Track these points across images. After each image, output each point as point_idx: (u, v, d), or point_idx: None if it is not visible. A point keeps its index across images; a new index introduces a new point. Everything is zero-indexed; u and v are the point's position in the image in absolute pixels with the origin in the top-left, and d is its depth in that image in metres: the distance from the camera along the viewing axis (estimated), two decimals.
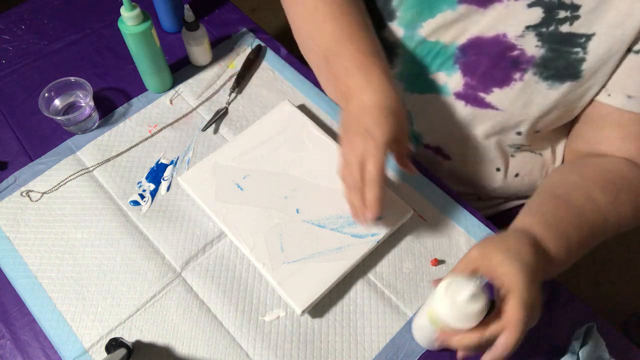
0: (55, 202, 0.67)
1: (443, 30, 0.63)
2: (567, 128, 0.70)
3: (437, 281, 0.49)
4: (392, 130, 0.53)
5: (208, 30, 0.85)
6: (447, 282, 0.46)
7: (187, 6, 0.72)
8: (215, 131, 0.75)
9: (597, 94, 0.59)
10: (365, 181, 0.53)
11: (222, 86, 0.79)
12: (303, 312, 0.58)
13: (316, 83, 0.80)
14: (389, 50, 0.69)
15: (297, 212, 0.64)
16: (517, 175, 0.75)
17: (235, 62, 0.82)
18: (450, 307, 0.45)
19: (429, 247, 0.65)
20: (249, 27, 0.86)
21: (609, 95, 0.58)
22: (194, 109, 0.77)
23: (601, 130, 0.62)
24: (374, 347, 0.59)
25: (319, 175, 0.67)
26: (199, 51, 0.78)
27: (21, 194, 0.68)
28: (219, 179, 0.67)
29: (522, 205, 0.84)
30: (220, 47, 0.83)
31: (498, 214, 0.85)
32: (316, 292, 0.59)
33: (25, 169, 0.70)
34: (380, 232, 0.63)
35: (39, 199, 0.68)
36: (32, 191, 0.68)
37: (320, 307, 0.61)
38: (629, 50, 0.55)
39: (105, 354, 0.56)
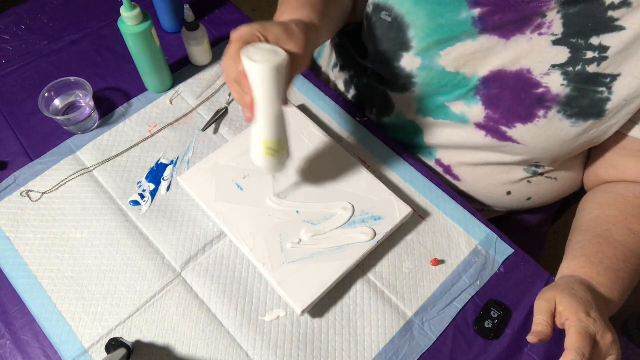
0: (55, 202, 0.67)
1: (463, 61, 0.62)
2: (584, 153, 0.70)
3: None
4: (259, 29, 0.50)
5: (208, 30, 0.85)
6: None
7: (187, 6, 0.72)
8: (215, 131, 0.75)
9: (624, 127, 0.61)
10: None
11: (222, 86, 0.79)
12: (303, 312, 0.58)
13: (316, 83, 0.80)
14: (406, 79, 0.68)
15: (297, 212, 0.64)
16: (529, 199, 0.75)
17: None
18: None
19: (429, 247, 0.65)
20: None
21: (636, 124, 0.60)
22: (194, 109, 0.77)
23: (627, 159, 0.64)
24: (374, 347, 0.59)
25: (319, 175, 0.67)
26: (199, 51, 0.78)
27: (21, 194, 0.68)
28: (219, 179, 0.67)
29: (524, 212, 0.85)
30: (220, 47, 0.83)
31: (498, 216, 0.85)
32: (316, 292, 0.59)
33: (25, 169, 0.70)
34: (380, 232, 0.63)
35: (39, 199, 0.68)
36: (32, 191, 0.68)
37: (320, 307, 0.61)
38: None
39: (105, 354, 0.56)
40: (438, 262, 0.64)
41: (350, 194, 0.66)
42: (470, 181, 0.74)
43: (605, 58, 0.54)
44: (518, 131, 0.62)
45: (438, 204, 0.69)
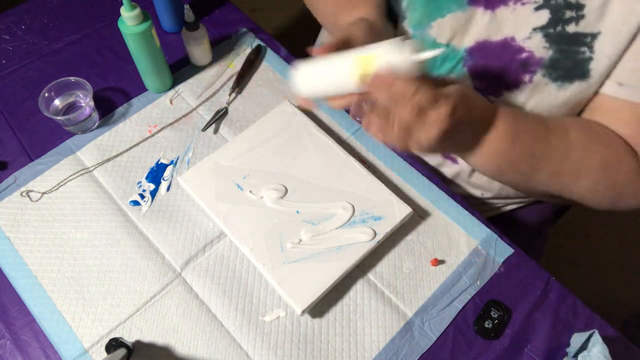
0: (55, 202, 0.67)
1: (453, 32, 0.63)
2: None
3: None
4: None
5: (208, 30, 0.85)
6: (403, 38, 0.44)
7: (187, 6, 0.72)
8: (215, 131, 0.75)
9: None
10: None
11: (222, 86, 0.79)
12: (303, 312, 0.58)
13: None
14: None
15: (297, 212, 0.64)
16: None
17: (235, 62, 0.82)
18: (402, 59, 0.42)
19: (429, 247, 0.65)
20: (249, 27, 0.86)
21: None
22: (194, 109, 0.77)
23: (593, 117, 0.60)
24: (374, 347, 0.59)
25: (319, 175, 0.67)
26: (199, 51, 0.78)
27: (21, 194, 0.68)
28: (219, 179, 0.67)
29: (524, 206, 0.85)
30: (220, 47, 0.83)
31: (498, 215, 0.85)
32: (316, 292, 0.59)
33: (25, 169, 0.70)
34: (380, 232, 0.63)
35: (39, 199, 0.68)
36: (32, 191, 0.68)
37: (320, 307, 0.61)
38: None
39: (105, 354, 0.56)
40: (438, 262, 0.64)
41: (350, 194, 0.66)
42: (467, 164, 0.73)
43: (582, 16, 0.55)
44: (506, 99, 0.63)
45: (438, 204, 0.69)
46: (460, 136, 0.49)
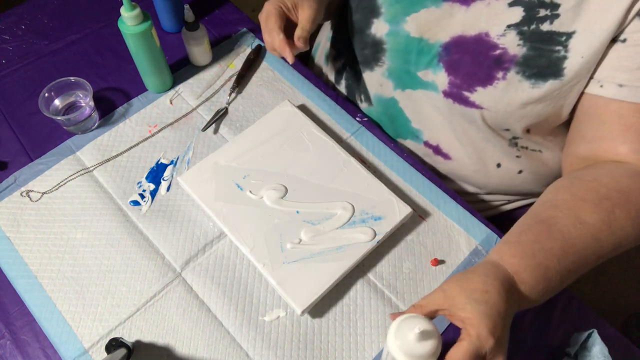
0: (55, 202, 0.67)
1: (427, 27, 0.64)
2: (567, 127, 0.70)
3: (395, 315, 0.48)
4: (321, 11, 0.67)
5: (208, 30, 0.85)
6: (400, 320, 0.45)
7: (187, 6, 0.72)
8: (215, 131, 0.75)
9: (585, 86, 0.59)
10: (296, 38, 0.66)
11: (222, 86, 0.79)
12: (303, 312, 0.58)
13: (316, 83, 0.80)
14: (377, 47, 0.70)
15: (297, 212, 0.64)
16: (520, 172, 0.75)
17: (235, 62, 0.82)
18: (401, 346, 0.44)
19: (429, 247, 0.65)
20: (249, 27, 0.86)
21: (601, 86, 0.57)
22: (194, 109, 0.77)
23: (602, 125, 0.59)
24: (374, 347, 0.59)
25: (319, 175, 0.67)
26: (199, 51, 0.78)
27: (21, 194, 0.68)
28: (218, 179, 0.67)
29: (524, 206, 0.85)
30: (220, 47, 0.83)
31: (498, 215, 0.85)
32: (316, 292, 0.59)
33: (25, 169, 0.70)
34: (380, 232, 0.63)
35: (39, 199, 0.68)
36: (32, 191, 0.68)
37: (320, 307, 0.61)
38: (613, 40, 0.55)
39: (105, 354, 0.56)
40: (438, 262, 0.64)
41: (350, 194, 0.66)
42: (460, 158, 0.74)
43: (557, 15, 0.55)
44: (479, 95, 0.63)
45: (438, 204, 0.69)
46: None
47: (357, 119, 0.76)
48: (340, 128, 0.75)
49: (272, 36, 0.65)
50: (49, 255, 0.64)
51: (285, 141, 0.70)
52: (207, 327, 0.59)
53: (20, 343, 0.58)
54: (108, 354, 0.55)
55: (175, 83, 0.79)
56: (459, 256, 0.65)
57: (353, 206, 0.65)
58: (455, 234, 0.67)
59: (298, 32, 0.66)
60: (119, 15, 0.65)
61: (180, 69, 0.81)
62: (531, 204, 0.84)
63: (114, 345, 0.55)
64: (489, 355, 0.46)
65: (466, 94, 0.64)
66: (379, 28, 0.68)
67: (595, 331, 0.57)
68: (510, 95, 0.61)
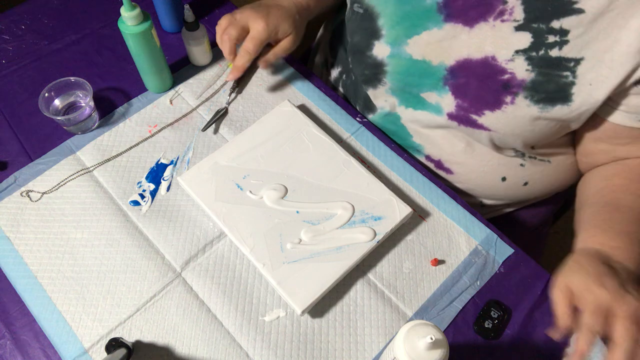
0: (55, 202, 0.67)
1: (429, 49, 0.63)
2: (572, 134, 0.70)
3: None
4: (284, 30, 0.72)
5: (208, 30, 0.85)
6: (410, 326, 0.46)
7: (187, 6, 0.72)
8: (215, 131, 0.75)
9: (607, 112, 0.60)
10: (241, 49, 0.72)
11: (222, 86, 0.79)
12: (303, 312, 0.58)
13: (316, 83, 0.80)
14: (378, 69, 0.70)
15: (297, 212, 0.64)
16: (525, 184, 0.75)
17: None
18: (409, 351, 0.44)
19: (429, 247, 0.65)
20: None
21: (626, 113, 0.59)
22: (194, 109, 0.77)
23: (624, 146, 0.63)
24: (374, 347, 0.59)
25: (319, 175, 0.67)
26: (199, 51, 0.78)
27: (21, 194, 0.68)
28: (219, 179, 0.67)
29: (522, 208, 0.85)
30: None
31: (499, 216, 0.85)
32: (316, 292, 0.59)
33: (25, 169, 0.70)
34: (380, 232, 0.63)
35: (39, 199, 0.68)
36: (32, 191, 0.68)
37: (320, 307, 0.61)
38: None
39: (105, 354, 0.56)
40: (438, 262, 0.64)
41: (350, 194, 0.66)
42: (463, 172, 0.74)
43: (567, 42, 0.55)
44: (487, 118, 0.63)
45: (438, 204, 0.69)
46: None
47: (357, 119, 0.76)
48: (340, 128, 0.75)
49: (243, 60, 0.72)
50: (49, 255, 0.64)
51: (285, 141, 0.70)
52: (207, 327, 0.59)
53: (20, 343, 0.58)
54: (108, 354, 0.55)
55: (175, 83, 0.79)
56: (459, 256, 0.65)
57: (353, 206, 0.65)
58: (455, 234, 0.67)
59: (270, 57, 0.74)
60: (119, 15, 0.65)
61: (180, 69, 0.81)
62: (531, 205, 0.84)
63: (114, 345, 0.55)
64: (617, 302, 0.49)
65: (474, 116, 0.64)
66: (380, 50, 0.68)
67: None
68: (519, 119, 0.61)
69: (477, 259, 0.65)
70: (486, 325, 0.60)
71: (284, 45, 0.74)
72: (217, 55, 0.82)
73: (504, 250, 0.66)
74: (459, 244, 0.66)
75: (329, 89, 0.80)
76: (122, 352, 0.54)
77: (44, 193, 0.68)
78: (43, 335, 0.59)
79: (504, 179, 0.73)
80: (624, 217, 0.59)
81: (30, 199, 0.68)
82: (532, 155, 0.71)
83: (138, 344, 0.58)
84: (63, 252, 0.64)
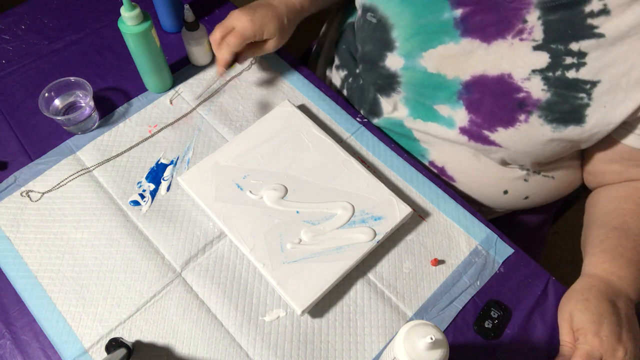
0: (55, 202, 0.67)
1: (445, 63, 0.63)
2: (579, 152, 0.70)
3: None
4: (268, 30, 0.71)
5: (208, 30, 0.85)
6: (410, 326, 0.46)
7: (187, 6, 0.72)
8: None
9: (621, 135, 0.61)
10: (223, 43, 0.70)
11: (222, 86, 0.79)
12: (303, 312, 0.58)
13: (316, 83, 0.80)
14: (391, 80, 0.69)
15: (297, 212, 0.64)
16: (526, 197, 0.75)
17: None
18: (409, 352, 0.44)
19: (429, 247, 0.65)
20: None
21: None
22: (194, 109, 0.77)
23: (636, 167, 0.64)
24: (374, 347, 0.59)
25: (319, 175, 0.67)
26: (199, 51, 0.78)
27: (21, 194, 0.68)
28: (219, 179, 0.67)
29: (523, 211, 0.85)
30: None
31: (498, 217, 0.85)
32: (316, 292, 0.59)
33: (25, 169, 0.70)
34: (380, 232, 0.63)
35: (39, 199, 0.68)
36: (32, 191, 0.68)
37: (320, 307, 0.61)
38: None
39: (105, 354, 0.56)
40: (438, 262, 0.64)
41: (350, 194, 0.66)
42: (466, 181, 0.74)
43: (584, 64, 0.55)
44: (500, 135, 0.63)
45: (438, 204, 0.69)
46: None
47: (357, 119, 0.76)
48: (340, 128, 0.75)
49: (224, 53, 0.70)
50: (49, 255, 0.64)
51: (285, 141, 0.70)
52: (207, 327, 0.59)
53: (20, 343, 0.58)
54: (108, 354, 0.55)
55: (175, 83, 0.79)
56: (459, 256, 0.65)
57: (353, 206, 0.65)
58: (455, 234, 0.67)
59: (248, 55, 0.73)
60: (119, 15, 0.65)
61: (180, 69, 0.81)
62: (529, 210, 0.84)
63: (114, 345, 0.55)
64: (607, 353, 0.53)
65: (486, 132, 0.64)
66: (394, 62, 0.67)
67: None
68: (531, 137, 0.61)
69: (477, 259, 0.65)
70: (486, 325, 0.60)
71: (266, 47, 0.73)
72: None
73: (504, 250, 0.66)
74: (459, 244, 0.66)
75: (329, 89, 0.80)
76: (122, 352, 0.54)
77: (44, 193, 0.68)
78: (43, 335, 0.59)
79: (505, 192, 0.73)
80: (634, 245, 0.60)
81: (30, 199, 0.68)
82: (537, 170, 0.71)
83: (138, 344, 0.58)
84: (63, 252, 0.64)
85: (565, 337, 0.58)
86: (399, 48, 0.65)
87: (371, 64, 0.71)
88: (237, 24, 0.69)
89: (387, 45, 0.66)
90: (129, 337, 0.59)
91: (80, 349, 0.58)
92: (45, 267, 0.63)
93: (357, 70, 0.77)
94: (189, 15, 0.73)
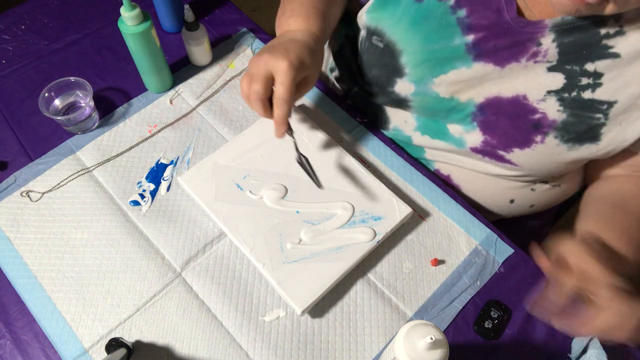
0: (55, 202, 0.67)
1: (457, 87, 0.62)
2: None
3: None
4: (306, 64, 0.58)
5: (208, 30, 0.85)
6: (410, 326, 0.46)
7: (187, 6, 0.72)
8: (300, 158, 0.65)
9: (638, 147, 0.60)
10: (275, 100, 0.57)
11: (222, 86, 0.79)
12: (303, 312, 0.58)
13: (316, 83, 0.80)
14: (401, 103, 0.68)
15: (297, 212, 0.64)
16: (532, 206, 0.75)
17: (235, 62, 0.82)
18: (409, 351, 0.44)
19: (429, 247, 0.65)
20: (249, 27, 0.86)
21: None
22: (194, 109, 0.77)
23: None
24: (374, 347, 0.59)
25: (319, 175, 0.67)
26: (199, 51, 0.78)
27: (21, 194, 0.68)
28: (219, 179, 0.67)
29: (524, 216, 0.85)
30: (220, 47, 0.83)
31: (499, 219, 0.85)
32: (316, 292, 0.59)
33: (25, 169, 0.70)
34: (380, 232, 0.63)
35: (39, 199, 0.68)
36: (32, 191, 0.68)
37: (320, 307, 0.61)
38: None
39: (105, 354, 0.56)
40: (438, 262, 0.64)
41: (350, 194, 0.66)
42: (472, 190, 0.74)
43: (600, 84, 0.55)
44: (515, 155, 0.63)
45: (438, 204, 0.69)
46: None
47: (357, 119, 0.76)
48: (340, 128, 0.75)
49: (284, 110, 0.58)
50: (49, 255, 0.64)
51: (285, 141, 0.70)
52: (207, 327, 0.59)
53: (20, 343, 0.58)
54: (108, 354, 0.55)
55: (175, 83, 0.79)
56: (459, 256, 0.65)
57: (353, 206, 0.65)
58: (455, 234, 0.66)
59: (298, 99, 0.62)
60: (119, 15, 0.65)
61: (180, 69, 0.81)
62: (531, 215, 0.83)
63: (114, 345, 0.55)
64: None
65: (501, 152, 0.64)
66: (404, 88, 0.66)
67: (596, 337, 0.57)
68: (547, 156, 0.61)
69: (477, 259, 0.65)
70: (486, 325, 0.60)
71: (309, 83, 0.62)
72: (217, 55, 0.82)
73: (504, 250, 0.66)
74: (459, 244, 0.66)
75: (330, 89, 0.80)
76: (122, 352, 0.54)
77: (44, 193, 0.68)
78: (43, 335, 0.59)
79: (512, 201, 0.73)
80: (630, 224, 0.59)
81: (30, 199, 0.68)
82: (545, 180, 0.71)
83: (138, 344, 0.58)
84: (63, 252, 0.64)
85: (544, 263, 0.54)
86: (409, 74, 0.64)
87: (379, 88, 0.69)
88: (276, 69, 0.56)
89: (397, 71, 0.65)
90: (129, 337, 0.59)
91: (80, 349, 0.58)
92: (45, 267, 0.63)
93: (359, 87, 0.76)
94: (189, 15, 0.73)
